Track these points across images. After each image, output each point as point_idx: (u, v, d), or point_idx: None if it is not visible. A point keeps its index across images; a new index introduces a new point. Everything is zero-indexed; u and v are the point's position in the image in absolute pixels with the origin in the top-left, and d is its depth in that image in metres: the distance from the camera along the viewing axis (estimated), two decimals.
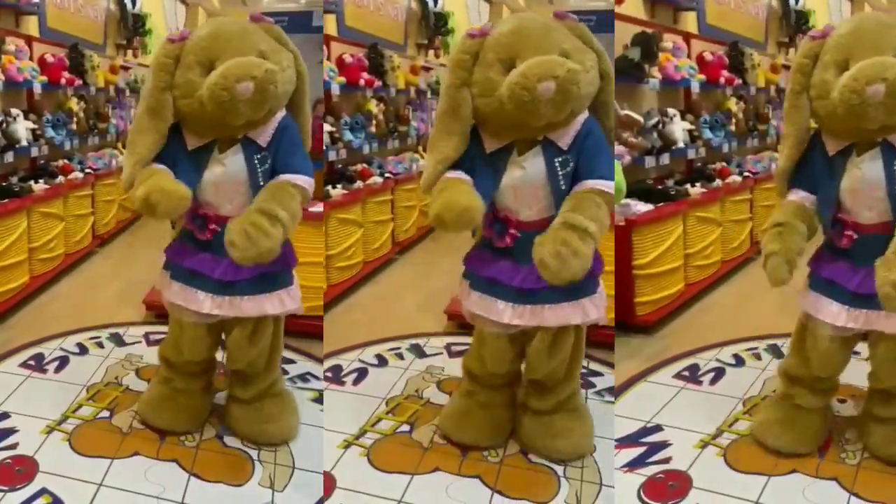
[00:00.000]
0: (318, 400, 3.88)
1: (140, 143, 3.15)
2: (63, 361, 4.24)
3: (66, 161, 6.33)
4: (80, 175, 6.30)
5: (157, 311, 4.81)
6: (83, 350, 4.38)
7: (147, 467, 3.30)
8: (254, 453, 3.42)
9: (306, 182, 3.24)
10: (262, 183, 3.20)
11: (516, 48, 3.01)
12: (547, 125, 3.04)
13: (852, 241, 3.14)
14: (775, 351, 4.36)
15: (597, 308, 3.22)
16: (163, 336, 4.46)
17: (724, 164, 6.28)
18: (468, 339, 3.58)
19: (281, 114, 3.28)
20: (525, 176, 3.12)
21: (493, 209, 3.19)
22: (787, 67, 7.69)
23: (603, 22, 5.02)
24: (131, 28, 7.35)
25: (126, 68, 7.34)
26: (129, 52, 7.44)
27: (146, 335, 4.58)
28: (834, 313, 3.21)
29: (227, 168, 3.21)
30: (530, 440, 3.43)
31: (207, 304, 3.30)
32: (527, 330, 3.27)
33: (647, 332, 4.72)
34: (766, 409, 3.60)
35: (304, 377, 4.11)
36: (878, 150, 3.06)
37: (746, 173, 6.38)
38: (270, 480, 3.27)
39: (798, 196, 3.22)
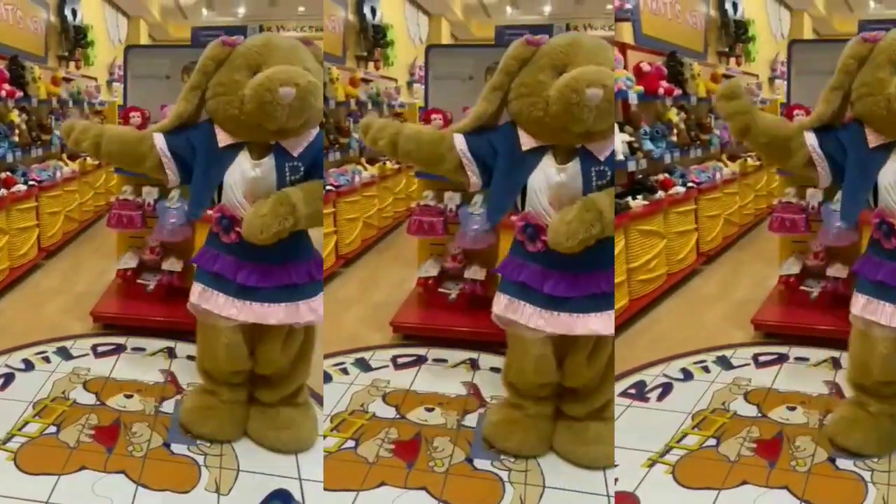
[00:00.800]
0: None
1: (158, 125, 3.41)
2: (8, 378, 4.23)
3: (8, 174, 6.30)
4: (24, 187, 6.27)
5: (105, 323, 4.89)
6: (29, 366, 4.37)
7: (94, 481, 3.33)
8: (200, 459, 3.47)
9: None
10: None
11: (570, 57, 3.21)
12: (584, 134, 3.19)
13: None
14: (724, 363, 4.40)
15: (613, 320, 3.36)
16: (110, 348, 4.56)
17: (666, 175, 6.22)
18: None
19: (316, 130, 3.40)
20: (563, 182, 3.24)
21: (526, 213, 3.31)
22: (727, 77, 7.79)
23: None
24: (73, 40, 7.32)
25: (68, 80, 7.32)
26: (72, 63, 7.42)
27: (94, 347, 4.60)
28: (889, 315, 3.29)
29: (256, 173, 3.30)
30: (561, 446, 3.53)
31: (229, 308, 3.38)
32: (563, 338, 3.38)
33: None
34: (841, 408, 3.67)
35: None
36: None
37: (690, 184, 6.34)
38: (216, 485, 3.32)
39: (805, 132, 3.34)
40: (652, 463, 3.50)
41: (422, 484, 3.34)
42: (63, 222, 6.76)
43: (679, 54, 6.67)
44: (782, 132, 3.34)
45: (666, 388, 4.13)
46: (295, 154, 3.33)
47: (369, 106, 7.44)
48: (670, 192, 5.97)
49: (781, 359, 4.43)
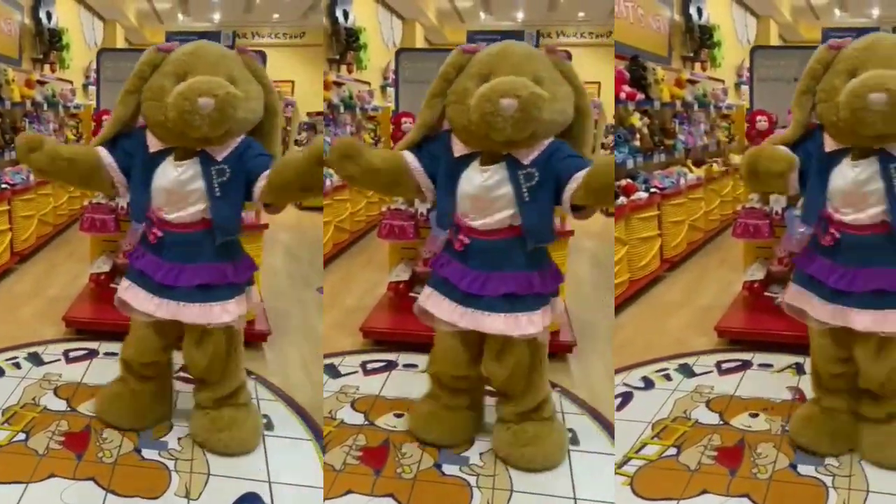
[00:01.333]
0: None
1: (100, 135, 3.50)
2: None
3: None
4: None
5: (78, 328, 4.90)
6: None
7: (63, 489, 3.33)
8: (170, 464, 3.50)
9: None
10: (218, 195, 3.38)
11: (495, 66, 3.28)
12: (508, 143, 3.25)
13: (835, 240, 3.35)
14: (686, 370, 4.42)
15: (534, 324, 3.39)
16: (83, 353, 4.59)
17: (629, 180, 6.22)
18: None
19: (240, 138, 3.45)
20: (488, 186, 3.32)
21: (455, 214, 3.41)
22: (692, 82, 7.84)
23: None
24: (48, 42, 7.33)
25: (43, 83, 7.32)
26: (47, 66, 7.42)
27: (65, 353, 4.61)
28: (816, 308, 3.42)
29: (180, 176, 3.39)
30: (500, 449, 3.59)
31: (148, 304, 3.50)
32: (478, 335, 3.48)
33: (551, 357, 4.72)
34: (802, 406, 3.75)
35: None
36: (875, 158, 3.27)
37: (653, 189, 6.32)
38: (186, 489, 3.35)
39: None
40: None
41: (389, 491, 3.37)
42: (37, 226, 6.79)
43: (642, 58, 6.67)
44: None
45: (626, 398, 4.15)
46: (219, 158, 3.40)
47: (341, 109, 7.47)
48: (632, 197, 5.98)
49: (745, 365, 4.47)
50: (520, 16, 8.87)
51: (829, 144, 3.35)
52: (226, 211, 3.40)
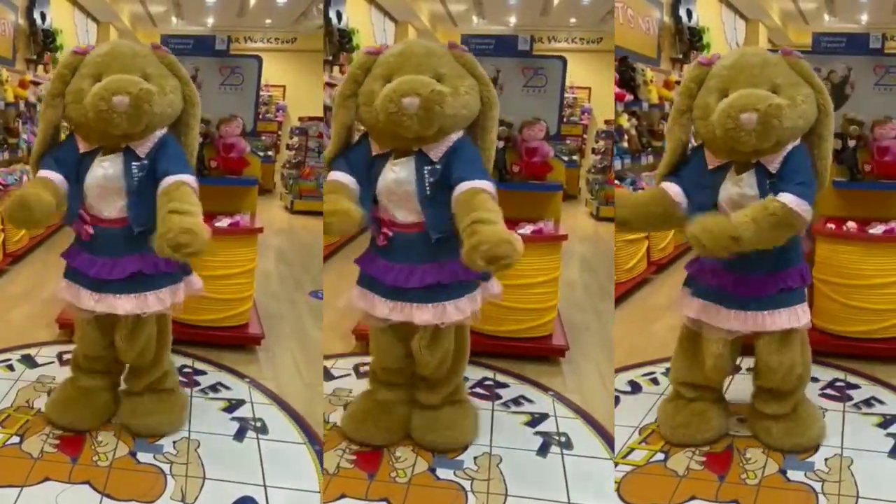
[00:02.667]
0: (229, 409, 4.02)
1: (37, 141, 3.60)
2: None
3: None
4: None
5: (71, 330, 4.87)
6: None
7: (58, 492, 3.34)
8: (166, 467, 3.52)
9: (193, 181, 3.48)
10: (138, 188, 3.49)
11: (398, 66, 3.38)
12: (417, 139, 3.37)
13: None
14: None
15: (460, 310, 3.50)
16: None
17: (617, 182, 6.21)
18: None
19: (162, 131, 3.58)
20: (398, 180, 3.43)
21: (376, 210, 3.51)
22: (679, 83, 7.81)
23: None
24: (41, 43, 7.33)
25: (36, 83, 7.32)
26: (41, 67, 7.42)
27: (59, 355, 4.61)
28: (722, 317, 3.56)
29: (107, 172, 3.52)
30: (419, 434, 3.70)
31: (87, 300, 3.61)
32: (410, 326, 3.55)
33: (543, 361, 4.68)
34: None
35: (214, 387, 4.26)
36: (753, 171, 3.39)
37: (640, 190, 6.26)
38: (182, 493, 3.37)
39: (665, 184, 3.56)
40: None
41: (384, 495, 3.39)
42: None
43: (631, 59, 6.67)
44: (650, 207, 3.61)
45: (613, 402, 4.13)
46: (142, 154, 3.52)
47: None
48: None
49: (734, 370, 4.44)
50: (512, 20, 8.90)
51: (711, 161, 3.47)
52: (139, 206, 3.49)
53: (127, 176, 3.50)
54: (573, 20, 9.69)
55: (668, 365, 3.96)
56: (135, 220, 3.52)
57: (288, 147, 9.79)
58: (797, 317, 3.55)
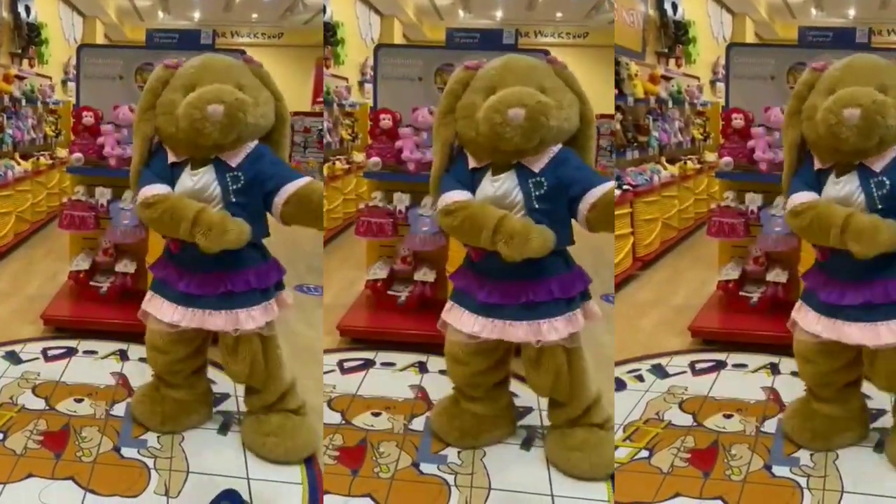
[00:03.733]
0: (213, 403, 3.96)
1: (135, 157, 3.54)
2: None
3: None
4: None
5: (57, 326, 4.91)
6: None
7: (42, 488, 3.34)
8: (150, 462, 3.52)
9: (303, 181, 3.44)
10: (233, 200, 3.43)
11: (500, 79, 3.34)
12: (517, 152, 3.32)
13: (826, 257, 3.41)
14: (660, 371, 4.40)
15: (556, 330, 3.40)
16: (61, 351, 4.59)
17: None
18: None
19: (254, 143, 3.52)
20: (495, 195, 3.35)
21: None
22: (666, 78, 7.75)
23: None
24: (26, 37, 7.30)
25: (21, 78, 7.29)
26: (25, 61, 7.39)
27: (44, 351, 4.60)
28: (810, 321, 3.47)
29: (196, 185, 3.44)
30: (550, 453, 3.62)
31: (171, 313, 3.53)
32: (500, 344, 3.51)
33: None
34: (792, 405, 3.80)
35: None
36: (855, 174, 3.32)
37: (626, 186, 6.23)
38: (165, 487, 3.37)
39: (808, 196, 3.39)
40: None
41: (366, 490, 3.39)
42: (14, 223, 6.74)
43: (615, 53, 6.55)
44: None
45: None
46: (233, 165, 3.46)
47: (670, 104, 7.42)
48: None
49: (719, 366, 4.48)
50: (498, 14, 8.89)
51: (817, 163, 3.41)
52: (241, 217, 3.40)
53: (222, 188, 3.44)
54: (559, 14, 9.68)
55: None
56: None
57: None
58: None
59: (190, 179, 3.45)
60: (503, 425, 3.75)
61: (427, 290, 4.99)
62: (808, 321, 3.48)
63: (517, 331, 3.41)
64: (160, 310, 3.57)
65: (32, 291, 5.55)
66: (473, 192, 3.38)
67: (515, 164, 3.37)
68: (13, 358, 4.52)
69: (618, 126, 6.57)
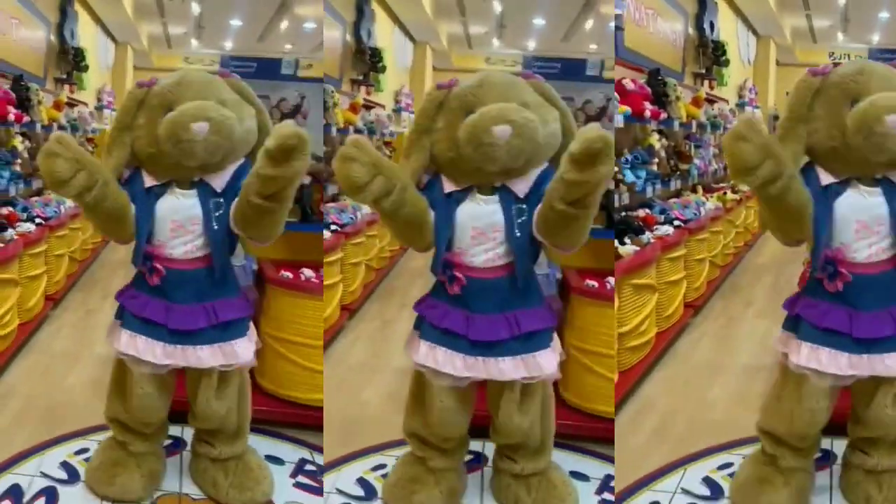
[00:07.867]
0: None
1: (110, 168, 3.30)
2: None
3: (10, 209, 5.86)
4: (31, 226, 5.74)
5: None
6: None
7: None
8: None
9: None
10: (216, 227, 3.28)
11: (479, 97, 3.18)
12: (503, 172, 3.16)
13: (847, 282, 3.12)
14: None
15: (550, 363, 3.32)
16: None
17: (647, 210, 5.44)
18: None
19: (239, 162, 3.37)
20: (485, 217, 3.24)
21: (447, 254, 3.27)
22: (709, 101, 7.41)
23: None
24: (72, 62, 7.05)
25: (72, 104, 7.02)
26: (67, 87, 7.13)
27: None
28: (826, 360, 3.16)
29: (180, 206, 3.30)
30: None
31: (159, 352, 3.32)
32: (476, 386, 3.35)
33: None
34: (744, 468, 3.51)
35: None
36: (879, 188, 3.10)
37: (677, 221, 5.54)
38: None
39: None
40: None
41: None
42: (67, 264, 6.38)
43: (662, 73, 6.19)
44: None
45: None
46: (219, 189, 3.33)
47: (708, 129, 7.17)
48: (656, 232, 5.10)
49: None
50: (531, 45, 8.86)
51: (825, 178, 3.12)
52: (220, 245, 3.32)
53: (205, 213, 3.30)
54: (593, 47, 9.64)
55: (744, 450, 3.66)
56: (217, 260, 3.32)
57: None
58: None
59: (173, 200, 3.31)
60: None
61: None
62: (828, 362, 3.16)
63: (517, 367, 3.27)
64: (143, 351, 3.34)
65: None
66: (450, 216, 3.23)
67: (500, 186, 3.24)
68: None
69: (663, 153, 6.15)
